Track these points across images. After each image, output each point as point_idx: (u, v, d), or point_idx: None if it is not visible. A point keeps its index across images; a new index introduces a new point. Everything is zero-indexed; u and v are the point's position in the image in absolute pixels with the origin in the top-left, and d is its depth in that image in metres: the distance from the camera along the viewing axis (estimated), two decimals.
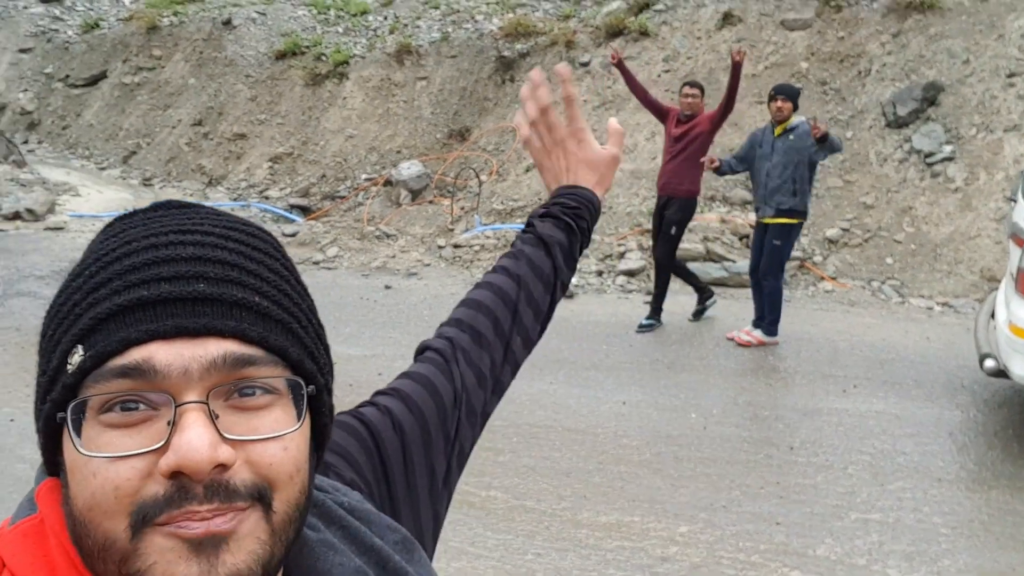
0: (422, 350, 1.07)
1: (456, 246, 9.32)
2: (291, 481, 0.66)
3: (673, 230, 6.66)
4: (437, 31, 13.20)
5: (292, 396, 0.68)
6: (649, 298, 7.57)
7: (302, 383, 0.68)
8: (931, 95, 9.04)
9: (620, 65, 6.83)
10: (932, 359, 6.04)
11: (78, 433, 0.63)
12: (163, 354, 0.63)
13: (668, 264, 6.78)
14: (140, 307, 0.64)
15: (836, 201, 8.67)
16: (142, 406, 0.62)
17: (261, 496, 0.64)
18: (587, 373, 5.97)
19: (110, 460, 0.61)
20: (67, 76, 16.59)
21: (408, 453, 0.94)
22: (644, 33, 11.53)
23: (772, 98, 6.10)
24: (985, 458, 4.78)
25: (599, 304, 7.30)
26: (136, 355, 0.63)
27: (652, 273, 7.15)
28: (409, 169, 11.19)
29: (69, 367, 0.64)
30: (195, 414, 0.62)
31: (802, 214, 6.14)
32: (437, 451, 0.97)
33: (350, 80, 13.12)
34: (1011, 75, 8.81)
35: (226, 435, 0.63)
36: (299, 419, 0.67)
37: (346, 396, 1.52)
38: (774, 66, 10.39)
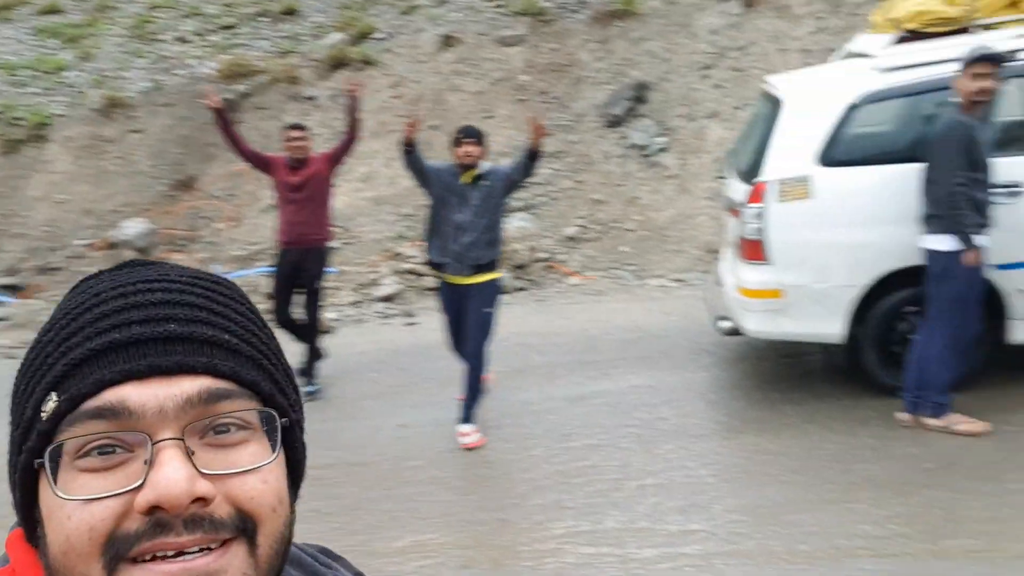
0: None
1: None
2: (274, 513, 0.67)
3: (317, 283, 6.10)
4: (147, 80, 12.47)
5: (266, 429, 0.69)
6: (411, 320, 7.54)
7: (275, 415, 0.69)
8: (640, 93, 9.82)
9: (220, 114, 6.02)
10: (674, 331, 6.52)
11: (55, 478, 0.63)
12: (137, 394, 0.64)
13: (314, 322, 6.20)
14: (113, 350, 0.65)
15: (571, 201, 9.17)
16: (119, 449, 0.63)
17: (245, 529, 0.65)
18: (361, 403, 5.86)
19: (85, 502, 0.62)
20: None
21: None
22: (368, 62, 11.58)
23: (458, 142, 5.03)
24: (733, 409, 5.23)
25: (360, 334, 7.20)
26: (110, 396, 0.64)
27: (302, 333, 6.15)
28: (133, 228, 10.46)
29: (43, 414, 0.65)
30: (172, 451, 0.63)
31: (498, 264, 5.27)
32: None
33: (53, 142, 12.05)
34: (705, 68, 9.79)
35: (204, 470, 0.63)
36: (274, 451, 0.68)
37: None
38: (497, 82, 10.82)
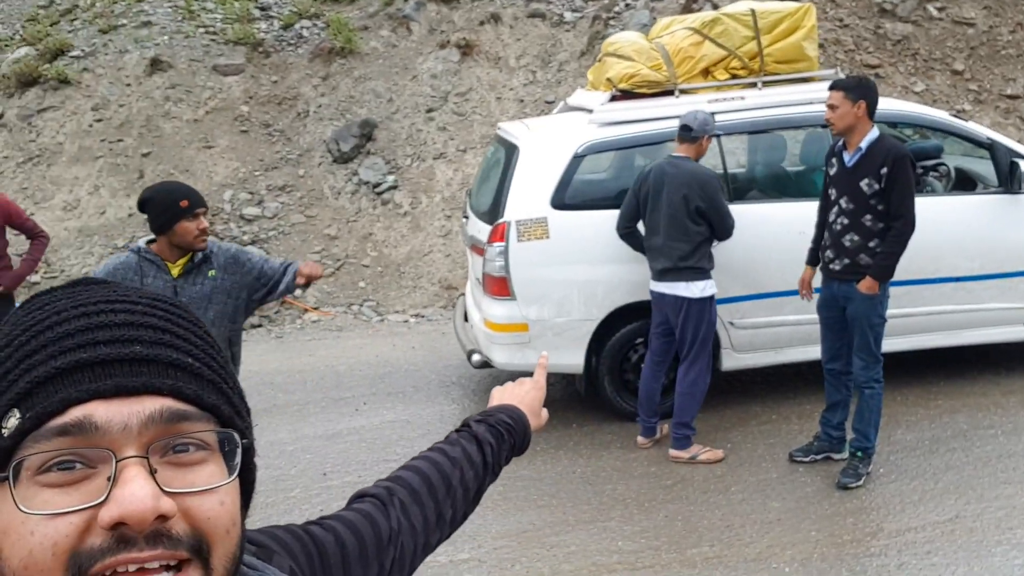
0: (360, 496, 1.13)
1: None
2: (227, 535, 0.68)
3: None
4: None
5: (223, 451, 0.70)
6: None
7: (236, 436, 0.71)
8: (367, 131, 9.90)
9: None
10: (422, 365, 6.63)
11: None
12: (103, 411, 0.64)
13: None
14: (79, 369, 0.65)
15: (303, 236, 9.00)
16: (79, 465, 0.63)
17: (199, 550, 0.65)
18: None
19: (48, 517, 0.62)
20: None
21: (348, 565, 1.00)
22: (64, 81, 10.55)
23: (192, 213, 3.25)
24: None
25: None
26: (76, 413, 0.64)
27: None
28: None
29: (5, 431, 0.64)
30: (136, 468, 0.64)
31: None
32: (373, 573, 1.03)
33: None
34: (429, 110, 10.10)
35: (165, 488, 0.64)
36: (231, 473, 0.69)
37: None
38: (215, 111, 10.37)
